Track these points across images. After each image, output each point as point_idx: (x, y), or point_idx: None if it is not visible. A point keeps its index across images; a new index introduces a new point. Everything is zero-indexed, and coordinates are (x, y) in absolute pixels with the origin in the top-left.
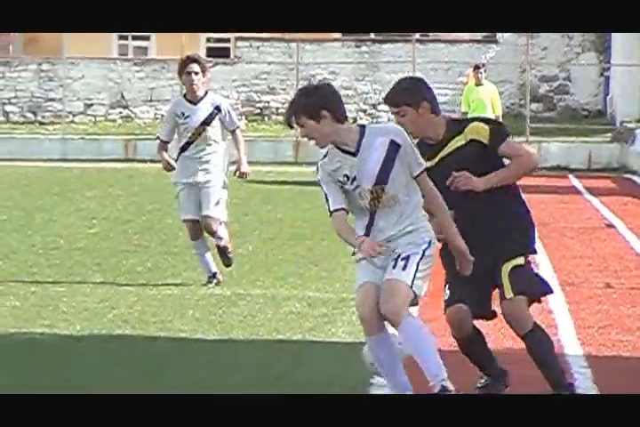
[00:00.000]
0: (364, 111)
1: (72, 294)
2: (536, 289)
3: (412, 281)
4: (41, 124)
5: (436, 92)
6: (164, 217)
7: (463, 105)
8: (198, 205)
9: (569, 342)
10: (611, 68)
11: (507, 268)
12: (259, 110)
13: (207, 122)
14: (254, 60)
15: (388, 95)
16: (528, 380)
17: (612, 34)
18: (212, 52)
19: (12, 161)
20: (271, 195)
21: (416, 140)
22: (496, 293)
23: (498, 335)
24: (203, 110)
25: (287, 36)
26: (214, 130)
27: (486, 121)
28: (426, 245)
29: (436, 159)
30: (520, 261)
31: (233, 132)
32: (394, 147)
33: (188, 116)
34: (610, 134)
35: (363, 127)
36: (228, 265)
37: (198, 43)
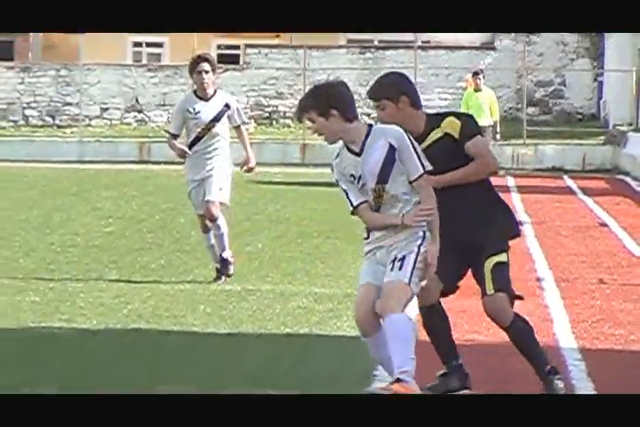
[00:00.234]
0: (368, 115)
1: (89, 289)
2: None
3: (410, 278)
4: (59, 127)
5: (436, 96)
6: (176, 216)
7: (462, 109)
8: None
9: (564, 336)
10: (604, 74)
11: (489, 263)
12: (267, 114)
13: (217, 118)
14: (263, 66)
15: (370, 90)
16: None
17: (606, 41)
18: (222, 59)
19: (31, 162)
20: (279, 195)
21: None
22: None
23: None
24: (213, 107)
25: (294, 42)
26: (222, 126)
27: (459, 116)
28: (420, 241)
29: None
30: (502, 258)
31: (238, 128)
32: (391, 149)
33: (198, 112)
34: (603, 137)
35: (370, 127)
36: (223, 275)
37: (209, 49)
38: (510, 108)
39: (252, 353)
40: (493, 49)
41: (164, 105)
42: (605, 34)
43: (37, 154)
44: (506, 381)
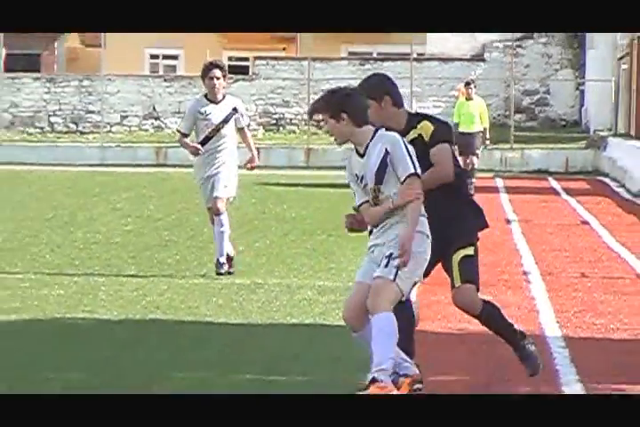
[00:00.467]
0: None
1: (110, 283)
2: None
3: (395, 275)
4: (82, 133)
5: (431, 104)
6: (191, 215)
7: (455, 117)
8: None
9: (549, 325)
10: (585, 83)
11: (457, 257)
12: (274, 121)
13: (226, 120)
14: (270, 77)
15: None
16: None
17: (587, 52)
18: (232, 70)
19: (56, 166)
20: (285, 196)
21: None
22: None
23: None
24: (223, 110)
25: (299, 55)
26: (230, 127)
27: (434, 121)
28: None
29: None
30: (469, 251)
31: (242, 129)
32: (386, 154)
33: (209, 114)
34: (584, 141)
35: (375, 131)
36: (220, 274)
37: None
38: (499, 115)
39: (261, 341)
40: (483, 60)
41: (179, 112)
42: (586, 46)
43: (62, 158)
44: (500, 366)
